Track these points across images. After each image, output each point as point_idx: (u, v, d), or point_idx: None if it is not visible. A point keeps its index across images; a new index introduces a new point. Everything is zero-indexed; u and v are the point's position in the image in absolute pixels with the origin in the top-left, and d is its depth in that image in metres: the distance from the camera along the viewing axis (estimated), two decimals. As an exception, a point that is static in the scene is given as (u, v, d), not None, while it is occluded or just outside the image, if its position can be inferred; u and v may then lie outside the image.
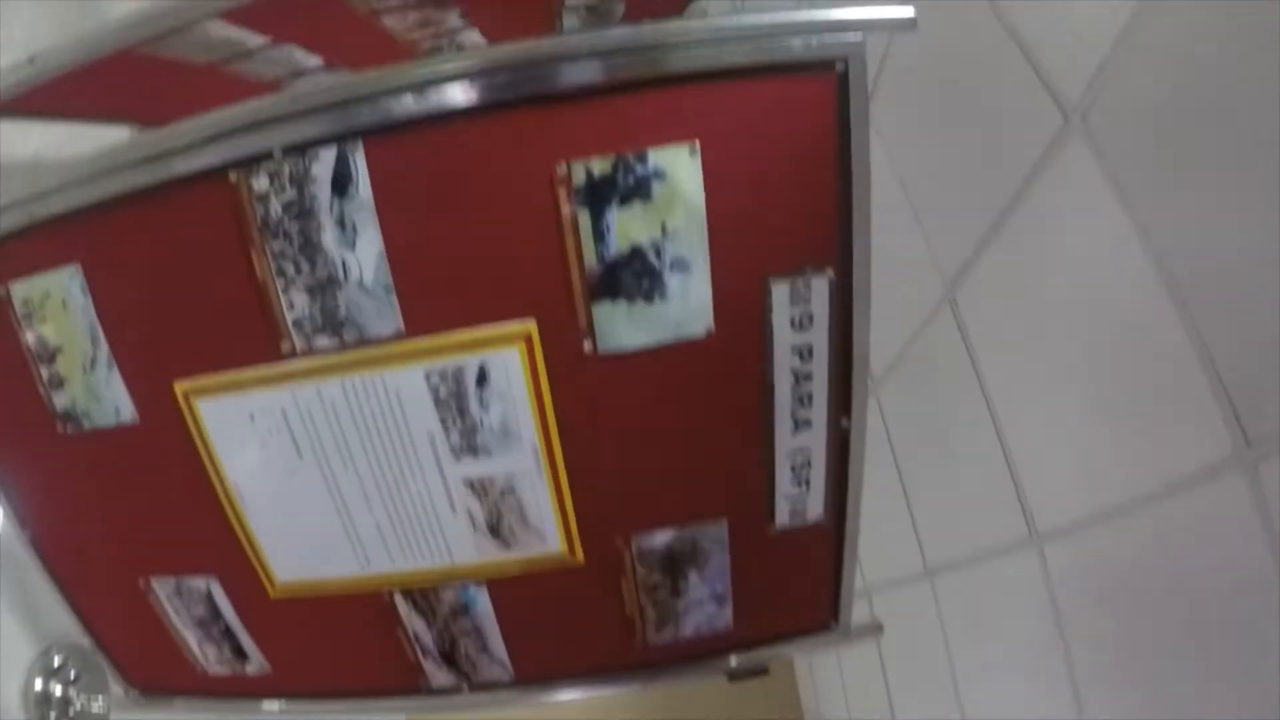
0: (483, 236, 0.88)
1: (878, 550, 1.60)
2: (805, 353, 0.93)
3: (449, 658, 1.14)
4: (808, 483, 1.00)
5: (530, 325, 0.90)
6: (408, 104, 0.84)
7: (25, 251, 0.96)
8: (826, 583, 1.10)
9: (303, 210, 0.87)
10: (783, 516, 1.03)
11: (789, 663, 2.88)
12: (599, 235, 0.86)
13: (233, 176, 0.87)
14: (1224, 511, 0.75)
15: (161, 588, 1.13)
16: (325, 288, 0.89)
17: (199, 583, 1.11)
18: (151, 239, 0.93)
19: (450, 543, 1.02)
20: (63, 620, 1.19)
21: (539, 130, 0.85)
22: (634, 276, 0.88)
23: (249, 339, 0.93)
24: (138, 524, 1.09)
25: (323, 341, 0.92)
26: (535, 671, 1.16)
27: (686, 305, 0.89)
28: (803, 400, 0.95)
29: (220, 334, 0.94)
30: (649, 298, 0.88)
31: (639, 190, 0.85)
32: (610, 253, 0.87)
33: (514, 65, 0.83)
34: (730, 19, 0.85)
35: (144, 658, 1.23)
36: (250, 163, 0.87)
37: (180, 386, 0.97)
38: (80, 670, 1.55)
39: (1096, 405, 0.94)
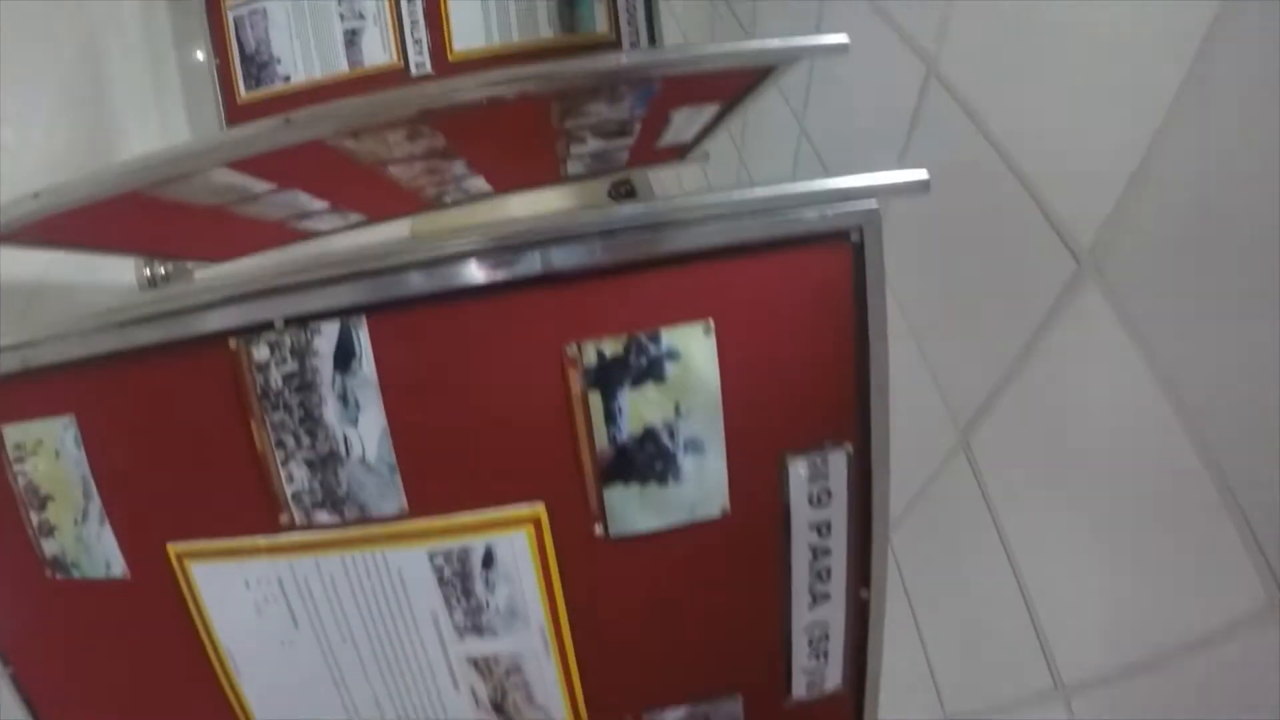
0: (490, 417, 0.85)
1: (894, 699, 1.55)
2: (823, 529, 0.90)
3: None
4: (825, 655, 0.96)
5: (539, 509, 0.87)
6: (414, 281, 0.82)
7: (19, 395, 0.93)
8: (846, 749, 1.05)
9: (304, 383, 0.85)
10: (799, 689, 0.99)
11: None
12: (610, 417, 0.83)
13: (233, 344, 0.85)
14: (1257, 664, 0.71)
15: (147, 745, 1.08)
16: (326, 462, 0.86)
17: (187, 743, 1.06)
18: (149, 398, 0.90)
19: (451, 719, 0.98)
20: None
21: (548, 310, 0.82)
22: (647, 459, 0.85)
23: (246, 509, 0.90)
24: (124, 677, 1.04)
25: (323, 516, 0.88)
26: None
27: (701, 486, 0.86)
28: (820, 575, 0.92)
29: (217, 501, 0.91)
30: (662, 480, 0.85)
31: (652, 371, 0.83)
32: (622, 435, 0.84)
33: (522, 244, 0.81)
34: (741, 191, 0.84)
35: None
36: (251, 331, 0.85)
37: (174, 549, 0.93)
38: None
39: (1122, 554, 0.90)
